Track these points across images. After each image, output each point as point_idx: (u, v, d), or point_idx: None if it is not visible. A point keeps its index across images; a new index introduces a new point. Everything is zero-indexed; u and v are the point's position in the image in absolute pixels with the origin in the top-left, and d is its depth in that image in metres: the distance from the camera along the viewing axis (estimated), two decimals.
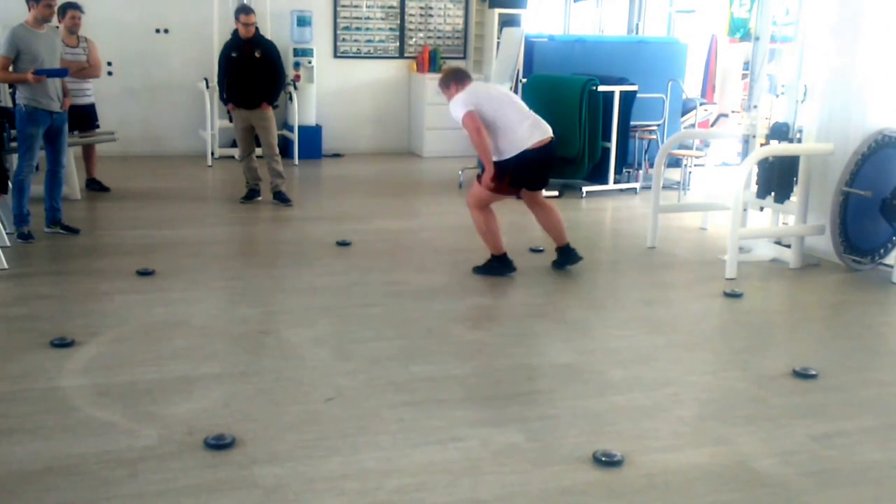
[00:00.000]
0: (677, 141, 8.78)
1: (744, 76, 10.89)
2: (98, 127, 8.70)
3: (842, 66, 6.57)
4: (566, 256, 6.30)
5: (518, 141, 5.82)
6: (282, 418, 3.79)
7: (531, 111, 6.06)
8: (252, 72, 8.16)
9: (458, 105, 5.80)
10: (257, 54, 8.17)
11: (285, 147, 10.96)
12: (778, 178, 6.60)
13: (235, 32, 8.28)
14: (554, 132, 9.38)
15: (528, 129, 5.87)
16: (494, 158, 5.86)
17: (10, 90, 7.45)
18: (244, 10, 8.27)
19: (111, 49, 10.16)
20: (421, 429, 3.72)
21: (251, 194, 8.45)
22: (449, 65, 5.88)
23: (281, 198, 8.37)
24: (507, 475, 3.35)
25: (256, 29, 8.31)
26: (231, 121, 8.70)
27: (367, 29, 11.76)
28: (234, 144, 9.07)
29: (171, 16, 10.88)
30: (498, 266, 6.12)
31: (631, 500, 3.21)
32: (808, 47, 6.79)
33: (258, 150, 8.49)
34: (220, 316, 5.23)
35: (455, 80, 5.98)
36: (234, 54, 8.21)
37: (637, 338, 4.98)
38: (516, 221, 8.31)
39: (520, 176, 5.94)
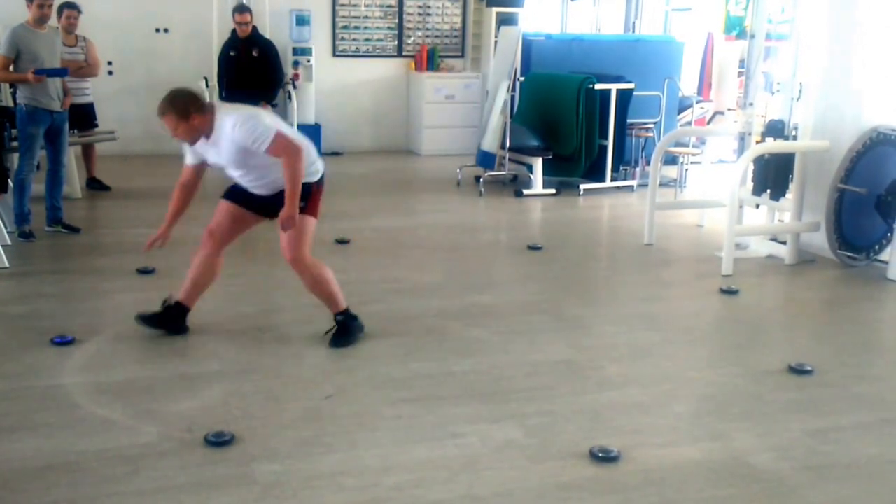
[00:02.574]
0: (674, 138, 8.82)
1: (739, 74, 10.90)
2: (97, 126, 8.73)
3: (837, 64, 6.60)
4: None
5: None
6: (281, 415, 3.82)
7: None
8: (250, 70, 8.18)
9: (259, 123, 4.30)
10: (255, 53, 8.20)
11: None
12: (774, 176, 6.63)
13: (234, 31, 8.31)
14: (551, 130, 9.56)
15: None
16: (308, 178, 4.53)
17: (11, 90, 7.48)
18: (239, 10, 8.30)
19: (111, 48, 10.18)
20: (419, 425, 3.75)
21: None
22: (174, 90, 4.47)
23: None
24: (505, 471, 3.38)
25: (255, 28, 8.34)
26: None
27: (366, 28, 11.77)
28: None
29: (171, 15, 10.89)
30: (354, 324, 4.79)
31: (627, 496, 3.23)
32: (803, 45, 6.82)
33: None
34: (220, 314, 5.23)
35: (196, 107, 4.35)
36: (232, 53, 8.24)
37: (634, 334, 5.01)
38: (512, 219, 8.35)
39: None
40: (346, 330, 4.73)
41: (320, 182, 4.64)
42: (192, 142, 4.46)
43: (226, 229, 4.74)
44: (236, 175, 4.58)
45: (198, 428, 3.62)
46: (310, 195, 4.54)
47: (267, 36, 9.22)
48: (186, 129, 4.35)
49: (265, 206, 4.63)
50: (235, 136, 4.29)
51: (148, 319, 4.71)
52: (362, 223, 7.65)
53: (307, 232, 4.55)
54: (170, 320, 4.73)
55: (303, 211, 4.47)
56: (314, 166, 4.58)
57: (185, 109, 4.30)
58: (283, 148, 4.31)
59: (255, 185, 4.57)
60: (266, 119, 4.38)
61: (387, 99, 12.02)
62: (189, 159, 4.62)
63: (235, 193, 4.71)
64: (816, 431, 3.79)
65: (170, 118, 4.34)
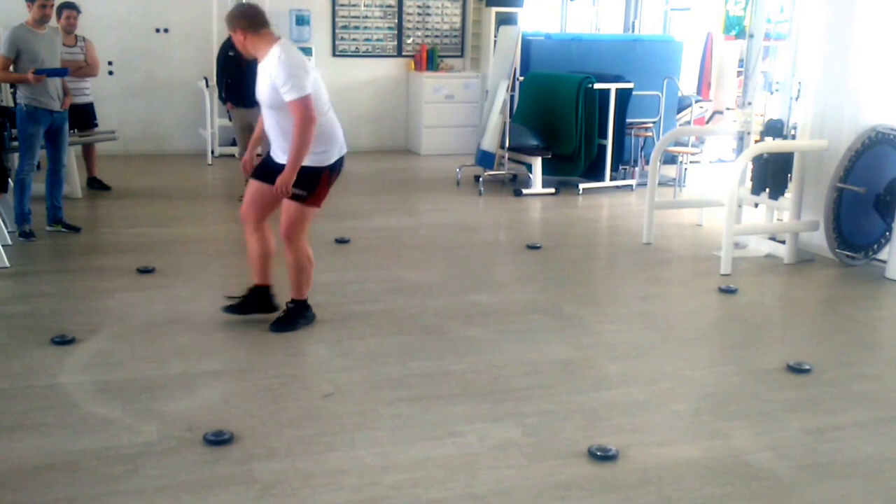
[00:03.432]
0: (673, 138, 8.82)
1: (739, 73, 10.92)
2: (96, 126, 8.73)
3: (836, 64, 6.60)
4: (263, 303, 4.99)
5: (337, 142, 4.78)
6: (280, 414, 3.83)
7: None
8: (250, 71, 8.18)
9: (299, 73, 4.42)
10: None
11: None
12: (772, 175, 6.64)
13: None
14: (550, 130, 9.58)
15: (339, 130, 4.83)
16: (322, 163, 4.65)
17: (11, 90, 7.49)
18: None
19: (111, 48, 10.20)
20: (418, 424, 3.76)
21: None
22: (240, 4, 4.34)
23: None
24: (503, 470, 3.39)
25: None
26: (230, 120, 8.74)
27: (366, 28, 11.78)
28: (234, 143, 9.11)
29: (171, 15, 10.90)
30: (303, 315, 4.92)
31: (626, 494, 3.24)
32: (802, 45, 6.83)
33: (234, 150, 8.49)
34: (220, 313, 5.25)
35: (251, 23, 4.51)
36: (231, 53, 8.22)
37: (632, 333, 5.02)
38: (511, 219, 8.36)
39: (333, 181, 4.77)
40: (290, 319, 4.88)
41: (332, 170, 4.71)
42: (260, 58, 4.54)
43: (255, 207, 4.83)
44: (267, 124, 4.67)
45: (197, 427, 3.63)
46: (318, 181, 4.64)
47: None
48: (255, 41, 4.51)
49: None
50: (276, 69, 4.38)
51: (234, 308, 4.94)
52: (362, 223, 7.66)
53: (305, 220, 4.69)
54: (255, 304, 4.95)
55: (305, 199, 4.61)
56: (328, 152, 4.66)
57: (253, 22, 4.50)
58: (299, 109, 4.38)
59: (277, 144, 4.65)
60: (305, 76, 4.44)
61: (386, 99, 12.02)
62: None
63: (260, 169, 4.83)
64: (815, 430, 3.80)
65: (239, 31, 4.51)
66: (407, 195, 9.44)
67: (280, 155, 4.65)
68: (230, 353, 4.56)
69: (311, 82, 4.46)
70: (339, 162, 4.76)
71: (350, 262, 6.46)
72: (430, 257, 6.68)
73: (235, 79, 8.19)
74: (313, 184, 4.62)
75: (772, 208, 6.97)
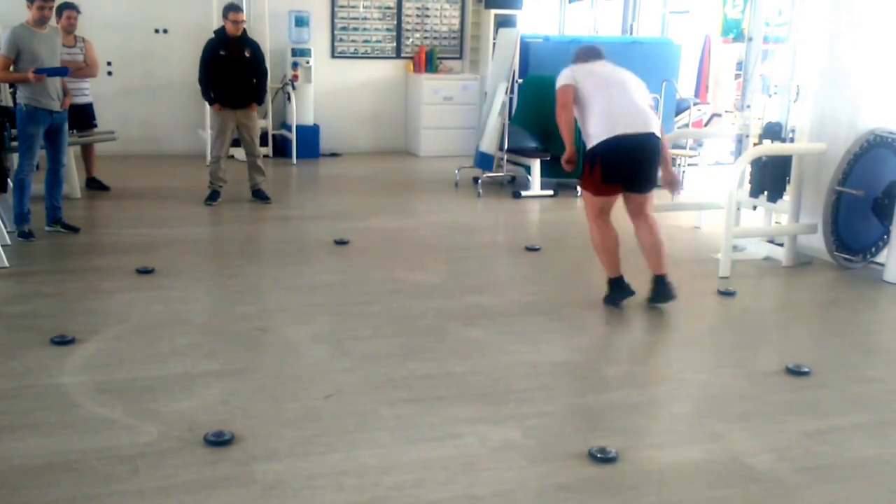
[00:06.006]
0: (671, 140, 8.82)
1: (737, 76, 10.94)
2: (96, 126, 8.73)
3: (834, 67, 6.61)
4: (657, 291, 5.45)
5: (602, 127, 5.25)
6: (281, 415, 3.83)
7: (640, 101, 5.38)
8: (244, 71, 8.13)
9: (561, 74, 5.60)
10: (247, 53, 8.14)
11: (284, 146, 11.00)
12: (771, 178, 6.65)
13: (221, 30, 8.21)
14: (549, 132, 9.55)
15: (616, 117, 5.23)
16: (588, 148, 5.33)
17: (11, 90, 7.50)
18: (234, 9, 8.18)
19: (111, 49, 10.20)
20: (419, 425, 3.76)
21: (215, 196, 8.34)
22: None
23: (260, 195, 8.39)
24: (503, 471, 3.39)
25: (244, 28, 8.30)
26: (212, 122, 8.64)
27: (365, 29, 11.79)
28: (234, 144, 8.98)
29: (171, 16, 10.91)
30: (610, 292, 5.54)
31: (626, 496, 3.25)
32: (800, 48, 6.84)
33: (234, 151, 8.42)
34: (220, 313, 5.26)
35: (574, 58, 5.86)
36: (222, 52, 8.12)
37: (632, 335, 5.03)
38: (509, 221, 8.37)
39: (610, 169, 5.24)
40: (608, 295, 5.54)
41: (593, 157, 5.24)
42: None
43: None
44: None
45: (198, 427, 3.63)
46: (582, 166, 5.41)
47: (266, 37, 9.16)
48: None
49: None
50: None
51: (606, 299, 5.55)
52: (361, 224, 7.66)
53: (586, 202, 5.52)
54: (613, 291, 5.52)
55: (581, 183, 5.68)
56: (589, 140, 5.28)
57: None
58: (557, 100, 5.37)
59: None
60: (562, 76, 5.48)
61: (385, 100, 12.03)
62: None
63: None
64: (814, 432, 3.81)
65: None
66: (406, 197, 9.44)
67: None
68: (230, 353, 4.56)
69: (566, 78, 5.47)
70: (597, 150, 5.22)
71: (349, 262, 6.46)
72: (429, 259, 6.68)
73: (226, 79, 8.09)
74: (583, 168, 5.38)
75: (770, 211, 6.99)
